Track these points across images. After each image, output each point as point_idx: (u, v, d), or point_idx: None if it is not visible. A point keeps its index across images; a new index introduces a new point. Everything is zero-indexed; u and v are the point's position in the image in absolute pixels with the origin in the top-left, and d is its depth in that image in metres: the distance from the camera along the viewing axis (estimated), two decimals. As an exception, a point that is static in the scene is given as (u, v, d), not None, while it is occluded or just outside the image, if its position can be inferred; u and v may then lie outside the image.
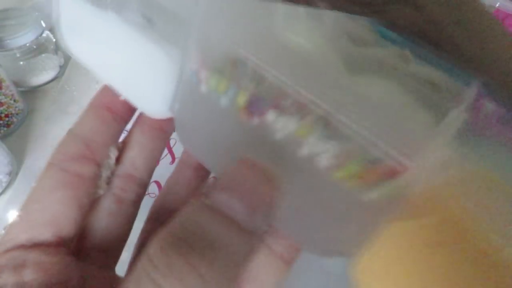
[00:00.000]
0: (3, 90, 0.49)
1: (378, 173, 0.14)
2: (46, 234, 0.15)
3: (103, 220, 0.17)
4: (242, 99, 0.16)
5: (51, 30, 0.60)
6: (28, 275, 0.14)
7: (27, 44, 0.53)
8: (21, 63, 0.54)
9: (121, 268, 0.17)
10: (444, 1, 0.17)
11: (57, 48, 0.59)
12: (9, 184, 0.46)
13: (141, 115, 0.19)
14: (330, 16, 0.18)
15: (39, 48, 0.55)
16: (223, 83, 0.16)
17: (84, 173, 0.16)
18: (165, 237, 0.11)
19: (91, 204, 0.17)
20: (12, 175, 0.47)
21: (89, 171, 0.16)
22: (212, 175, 0.20)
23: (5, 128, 0.51)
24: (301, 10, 0.16)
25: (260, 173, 0.12)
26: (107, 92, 0.18)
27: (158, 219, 0.19)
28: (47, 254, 0.14)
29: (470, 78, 0.16)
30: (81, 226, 0.16)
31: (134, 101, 0.18)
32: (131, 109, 0.18)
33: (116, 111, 0.18)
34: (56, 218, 0.15)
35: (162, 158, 0.47)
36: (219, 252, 0.11)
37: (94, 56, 0.18)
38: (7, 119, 0.51)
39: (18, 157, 0.49)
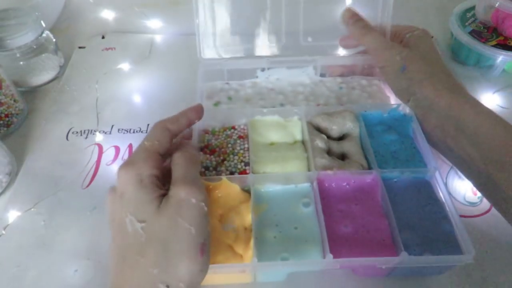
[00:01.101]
0: (3, 90, 0.49)
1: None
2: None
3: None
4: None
5: (51, 30, 0.60)
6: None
7: (27, 44, 0.53)
8: (21, 63, 0.54)
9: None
10: None
11: (57, 48, 0.59)
12: (9, 184, 0.46)
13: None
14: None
15: (39, 48, 0.55)
16: None
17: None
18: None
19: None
20: (12, 175, 0.47)
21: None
22: None
23: (5, 128, 0.51)
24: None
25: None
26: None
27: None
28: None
29: None
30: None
31: None
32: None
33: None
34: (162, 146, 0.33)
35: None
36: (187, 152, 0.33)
37: None
38: (7, 119, 0.51)
39: (18, 157, 0.49)
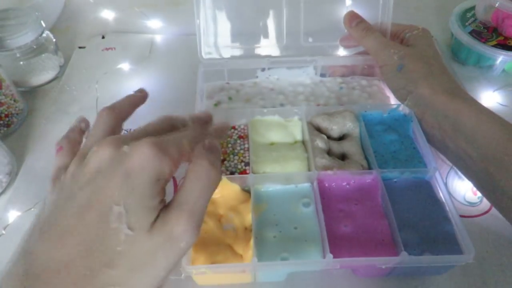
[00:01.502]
0: (3, 90, 0.49)
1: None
2: None
3: None
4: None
5: (51, 30, 0.60)
6: None
7: (27, 44, 0.53)
8: (21, 63, 0.54)
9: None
10: None
11: (57, 48, 0.59)
12: (9, 184, 0.46)
13: None
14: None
15: (39, 48, 0.55)
16: None
17: None
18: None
19: None
20: (12, 175, 0.47)
21: None
22: None
23: (5, 128, 0.51)
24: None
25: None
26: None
27: None
28: None
29: None
30: None
31: None
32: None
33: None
34: None
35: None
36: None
37: None
38: (7, 119, 0.51)
39: (18, 157, 0.49)
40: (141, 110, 0.55)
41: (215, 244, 0.34)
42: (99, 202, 0.22)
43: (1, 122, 0.50)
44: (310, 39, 0.50)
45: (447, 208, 0.36)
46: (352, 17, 0.48)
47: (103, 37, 0.66)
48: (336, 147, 0.42)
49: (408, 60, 0.43)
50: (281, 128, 0.43)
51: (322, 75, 0.52)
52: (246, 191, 0.38)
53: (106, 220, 0.22)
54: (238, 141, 0.42)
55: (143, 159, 0.23)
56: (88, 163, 0.24)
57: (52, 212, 0.24)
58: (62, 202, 0.24)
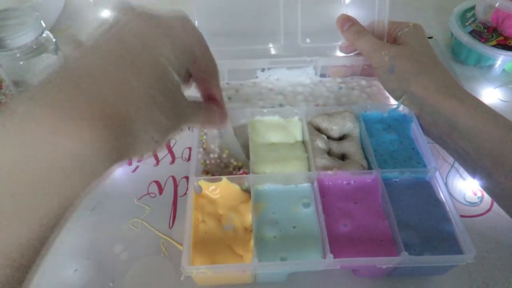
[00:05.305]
0: (3, 90, 0.49)
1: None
2: None
3: None
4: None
5: (51, 30, 0.60)
6: None
7: (27, 44, 0.53)
8: (21, 63, 0.54)
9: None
10: None
11: (57, 48, 0.59)
12: (9, 184, 0.46)
13: None
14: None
15: (39, 48, 0.55)
16: None
17: None
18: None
19: None
20: (12, 175, 0.47)
21: None
22: None
23: (5, 128, 0.51)
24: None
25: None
26: None
27: None
28: None
29: None
30: None
31: None
32: None
33: None
34: None
35: (162, 158, 0.47)
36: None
37: None
38: (7, 119, 0.51)
39: (18, 157, 0.49)
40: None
41: (215, 244, 0.34)
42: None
43: (1, 122, 0.50)
44: (308, 40, 0.50)
45: (447, 208, 0.36)
46: (344, 20, 0.48)
47: (103, 37, 0.66)
48: (336, 147, 0.42)
49: (398, 61, 0.43)
50: (281, 129, 0.43)
51: (322, 75, 0.52)
52: (246, 191, 0.38)
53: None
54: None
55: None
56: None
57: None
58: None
